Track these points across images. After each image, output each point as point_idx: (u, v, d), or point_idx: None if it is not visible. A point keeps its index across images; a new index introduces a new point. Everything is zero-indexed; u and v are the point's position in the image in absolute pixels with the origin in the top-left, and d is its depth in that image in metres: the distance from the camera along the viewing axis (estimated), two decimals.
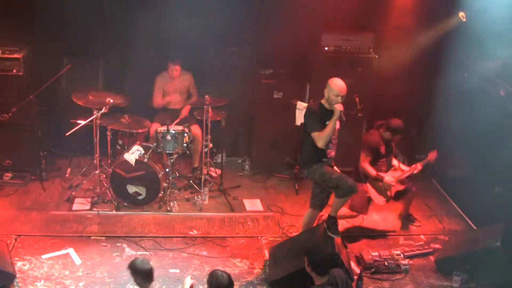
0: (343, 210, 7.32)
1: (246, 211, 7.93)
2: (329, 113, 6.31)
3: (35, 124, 8.20)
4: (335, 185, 6.30)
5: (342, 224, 7.29)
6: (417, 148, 8.54)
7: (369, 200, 7.37)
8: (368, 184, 7.27)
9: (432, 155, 7.35)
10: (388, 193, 7.27)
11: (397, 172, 7.29)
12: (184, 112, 8.41)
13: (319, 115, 6.32)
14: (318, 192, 6.65)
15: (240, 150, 9.17)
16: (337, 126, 6.42)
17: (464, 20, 7.88)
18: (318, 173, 6.41)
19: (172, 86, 8.41)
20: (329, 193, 6.60)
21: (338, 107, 6.22)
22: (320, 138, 6.26)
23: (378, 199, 7.27)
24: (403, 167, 7.42)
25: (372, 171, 7.20)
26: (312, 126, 6.31)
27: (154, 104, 8.47)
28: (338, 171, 6.55)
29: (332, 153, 6.53)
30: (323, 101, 6.40)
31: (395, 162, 7.43)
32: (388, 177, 7.22)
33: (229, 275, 5.13)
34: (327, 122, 6.29)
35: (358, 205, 7.33)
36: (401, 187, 7.34)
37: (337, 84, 6.28)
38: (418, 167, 7.30)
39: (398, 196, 7.46)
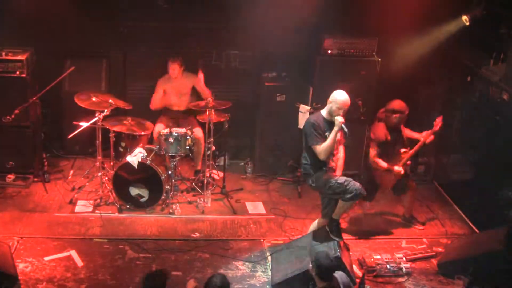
0: None
1: (249, 214, 7.93)
2: (329, 124, 6.33)
3: (38, 126, 8.22)
4: (342, 190, 6.29)
5: (345, 227, 7.28)
6: (420, 150, 8.51)
7: (376, 187, 7.36)
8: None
9: (437, 123, 7.18)
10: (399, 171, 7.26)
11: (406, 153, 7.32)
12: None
13: (319, 127, 6.32)
14: (327, 202, 6.65)
15: (243, 153, 9.17)
16: (338, 137, 6.42)
17: (468, 23, 7.88)
18: (322, 180, 6.40)
19: (172, 87, 8.36)
20: (337, 202, 6.57)
21: (340, 120, 6.22)
22: (321, 151, 6.28)
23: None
24: (409, 133, 7.43)
25: (383, 164, 7.20)
26: (312, 139, 6.33)
27: (151, 105, 8.37)
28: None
29: (332, 163, 6.52)
30: (323, 111, 6.40)
31: (407, 132, 7.43)
32: (397, 167, 7.23)
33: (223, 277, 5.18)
34: (327, 133, 6.30)
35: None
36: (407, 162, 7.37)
37: (342, 97, 6.27)
38: (427, 135, 7.23)
39: (398, 190, 7.49)
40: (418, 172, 8.76)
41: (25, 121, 7.88)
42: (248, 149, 9.16)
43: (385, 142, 7.25)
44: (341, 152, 6.70)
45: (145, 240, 7.17)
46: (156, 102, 8.39)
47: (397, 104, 7.23)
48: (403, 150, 7.33)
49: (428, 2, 8.07)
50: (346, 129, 6.32)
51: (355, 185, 6.30)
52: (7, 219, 7.38)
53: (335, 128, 6.24)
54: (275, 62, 8.62)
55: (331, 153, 6.38)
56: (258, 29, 8.23)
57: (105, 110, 7.49)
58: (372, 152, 7.25)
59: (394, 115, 7.22)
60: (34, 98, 7.77)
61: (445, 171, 8.83)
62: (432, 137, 7.26)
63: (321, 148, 6.27)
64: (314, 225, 6.87)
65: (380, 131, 7.27)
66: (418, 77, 8.62)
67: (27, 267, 6.54)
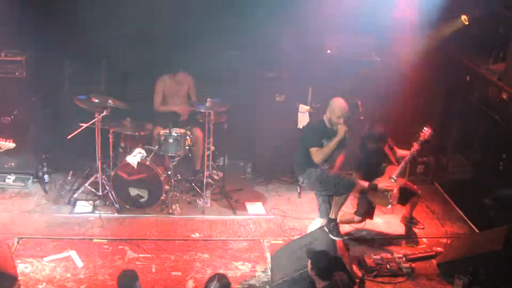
0: (349, 216, 7.27)
1: (248, 214, 7.93)
2: (329, 131, 6.34)
3: (37, 126, 8.20)
4: (334, 183, 6.30)
5: (344, 227, 7.28)
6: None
7: (374, 205, 7.34)
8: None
9: (424, 134, 6.97)
10: (391, 195, 7.18)
11: (393, 171, 7.18)
12: (184, 116, 8.39)
13: (319, 132, 6.34)
14: (321, 201, 6.67)
15: (242, 153, 9.15)
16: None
17: (467, 23, 7.88)
18: (314, 175, 6.42)
19: (172, 89, 8.38)
20: (331, 200, 6.57)
21: (342, 128, 6.24)
22: (318, 153, 6.31)
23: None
24: (401, 151, 7.23)
25: (363, 183, 7.09)
26: (310, 141, 6.37)
27: (155, 108, 8.45)
28: None
29: (324, 167, 6.50)
30: (324, 118, 6.40)
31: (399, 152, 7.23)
32: (382, 183, 7.06)
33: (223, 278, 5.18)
34: (323, 141, 6.32)
35: (363, 211, 7.29)
36: (402, 182, 7.18)
37: (339, 106, 6.30)
38: (414, 146, 6.98)
39: (404, 199, 7.37)
40: (418, 172, 8.75)
41: (25, 122, 7.88)
42: (247, 149, 9.14)
43: (367, 166, 7.13)
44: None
45: (144, 240, 7.17)
46: (159, 103, 8.40)
47: (376, 129, 7.08)
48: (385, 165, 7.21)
49: (427, 1, 8.08)
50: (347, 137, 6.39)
51: (346, 177, 6.31)
52: (7, 219, 7.39)
53: (337, 138, 6.26)
54: (274, 62, 8.62)
55: (325, 159, 6.39)
56: (257, 29, 8.23)
57: (105, 111, 7.49)
58: (354, 174, 7.18)
59: (369, 142, 7.01)
60: (34, 99, 7.77)
61: (445, 171, 8.82)
62: (416, 146, 6.97)
63: (318, 151, 6.29)
64: (313, 225, 6.87)
65: (358, 155, 7.13)
66: (418, 76, 8.62)
67: (26, 267, 6.54)
